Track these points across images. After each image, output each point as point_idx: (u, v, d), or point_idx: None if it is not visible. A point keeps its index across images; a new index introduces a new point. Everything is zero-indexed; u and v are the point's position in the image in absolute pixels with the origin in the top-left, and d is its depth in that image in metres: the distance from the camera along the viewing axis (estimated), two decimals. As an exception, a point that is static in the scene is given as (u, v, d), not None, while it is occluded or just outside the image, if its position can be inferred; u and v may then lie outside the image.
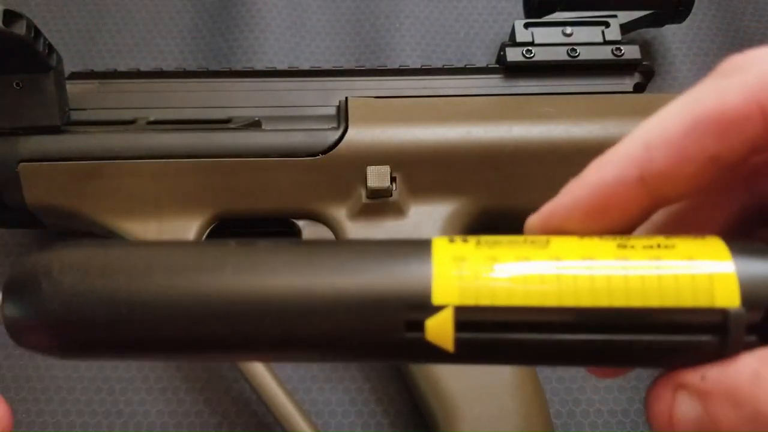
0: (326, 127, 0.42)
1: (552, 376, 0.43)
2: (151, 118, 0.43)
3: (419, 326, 0.19)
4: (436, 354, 0.19)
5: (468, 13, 0.55)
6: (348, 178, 0.41)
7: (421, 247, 0.20)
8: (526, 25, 0.45)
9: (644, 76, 0.45)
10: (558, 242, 0.19)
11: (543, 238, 0.20)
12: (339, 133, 0.41)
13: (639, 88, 0.45)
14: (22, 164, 0.40)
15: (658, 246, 0.19)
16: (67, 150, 0.40)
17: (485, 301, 0.18)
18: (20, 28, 0.37)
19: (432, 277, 0.19)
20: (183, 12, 0.54)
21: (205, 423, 0.42)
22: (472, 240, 0.20)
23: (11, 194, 0.41)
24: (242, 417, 0.42)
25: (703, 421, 0.18)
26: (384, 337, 0.19)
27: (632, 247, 0.19)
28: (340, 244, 0.20)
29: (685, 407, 0.18)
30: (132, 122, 0.42)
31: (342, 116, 0.42)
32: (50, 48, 0.40)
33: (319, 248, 0.20)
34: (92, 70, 0.45)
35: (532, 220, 0.21)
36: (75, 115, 0.43)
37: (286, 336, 0.19)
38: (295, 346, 0.20)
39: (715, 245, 0.19)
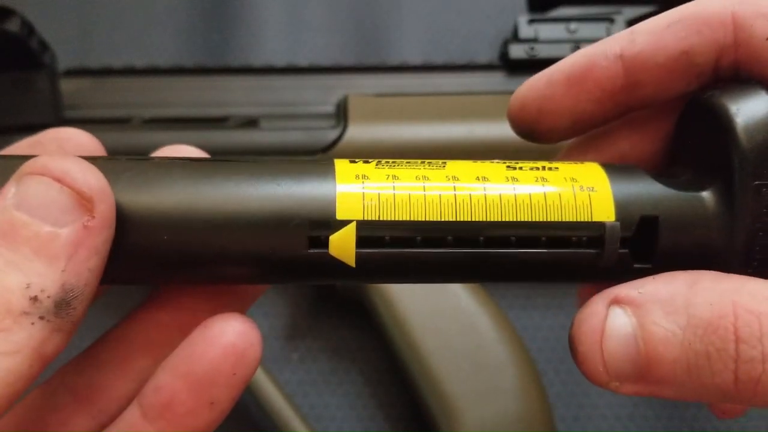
0: (325, 125, 0.42)
1: (556, 379, 0.42)
2: (147, 117, 0.42)
3: (323, 242, 0.19)
4: (337, 270, 0.20)
5: (470, 9, 0.54)
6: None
7: (324, 165, 0.20)
8: (530, 22, 0.45)
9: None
10: (453, 164, 0.21)
11: (439, 161, 0.21)
12: (338, 131, 0.41)
13: (644, 86, 0.44)
14: (14, 163, 0.40)
15: (543, 168, 0.21)
16: (60, 149, 0.40)
17: (387, 216, 0.19)
18: (14, 25, 0.37)
19: (336, 193, 0.19)
20: (178, 8, 0.54)
21: (202, 427, 0.41)
22: (373, 161, 0.21)
23: (4, 194, 0.40)
24: (240, 421, 0.41)
25: (636, 336, 0.18)
26: (289, 253, 0.19)
27: (520, 168, 0.20)
28: (245, 161, 0.20)
29: (619, 321, 0.18)
30: (127, 120, 0.42)
31: (341, 114, 0.42)
32: (44, 45, 0.40)
33: (225, 165, 0.20)
34: (87, 68, 0.44)
35: (520, 89, 0.23)
36: (69, 113, 0.42)
37: (189, 253, 0.19)
38: (203, 263, 0.19)
39: (594, 169, 0.21)
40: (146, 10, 0.53)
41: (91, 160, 0.19)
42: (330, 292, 0.42)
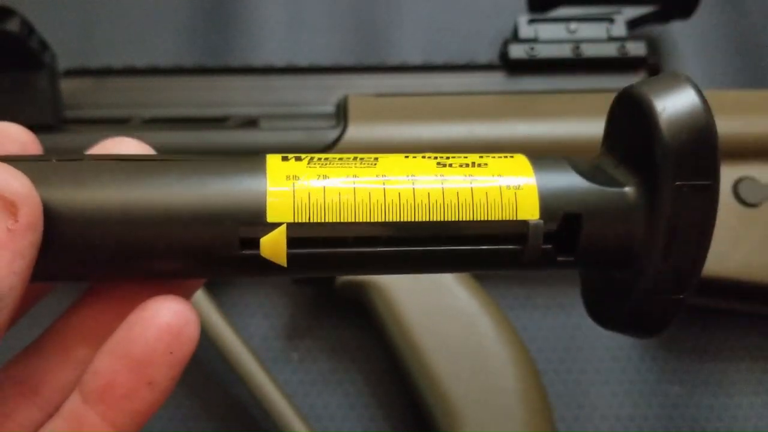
0: (325, 125, 0.42)
1: (556, 379, 0.42)
2: (147, 117, 0.42)
3: (254, 243, 0.20)
4: (269, 269, 0.20)
5: (470, 9, 0.54)
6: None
7: (255, 164, 0.20)
8: (530, 22, 0.45)
9: (650, 73, 0.44)
10: (385, 160, 0.21)
11: (372, 156, 0.21)
12: (338, 131, 0.41)
13: (644, 86, 0.44)
14: (14, 164, 0.40)
15: (473, 164, 0.21)
16: (61, 149, 0.40)
17: (317, 217, 0.20)
18: (13, 25, 0.37)
19: (266, 196, 0.20)
20: (179, 8, 0.54)
21: (202, 427, 0.41)
22: (305, 158, 0.21)
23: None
24: (240, 421, 0.41)
25: None
26: (221, 253, 0.20)
27: (450, 165, 0.21)
28: (179, 159, 0.21)
29: None
30: (127, 121, 0.42)
31: (341, 114, 0.42)
32: (44, 45, 0.40)
33: (154, 164, 0.20)
34: (87, 68, 0.44)
35: None
36: (69, 113, 0.42)
37: (120, 252, 0.19)
38: (134, 261, 0.20)
39: (522, 163, 0.21)
40: (146, 10, 0.53)
41: (21, 160, 0.19)
42: (330, 292, 0.42)
